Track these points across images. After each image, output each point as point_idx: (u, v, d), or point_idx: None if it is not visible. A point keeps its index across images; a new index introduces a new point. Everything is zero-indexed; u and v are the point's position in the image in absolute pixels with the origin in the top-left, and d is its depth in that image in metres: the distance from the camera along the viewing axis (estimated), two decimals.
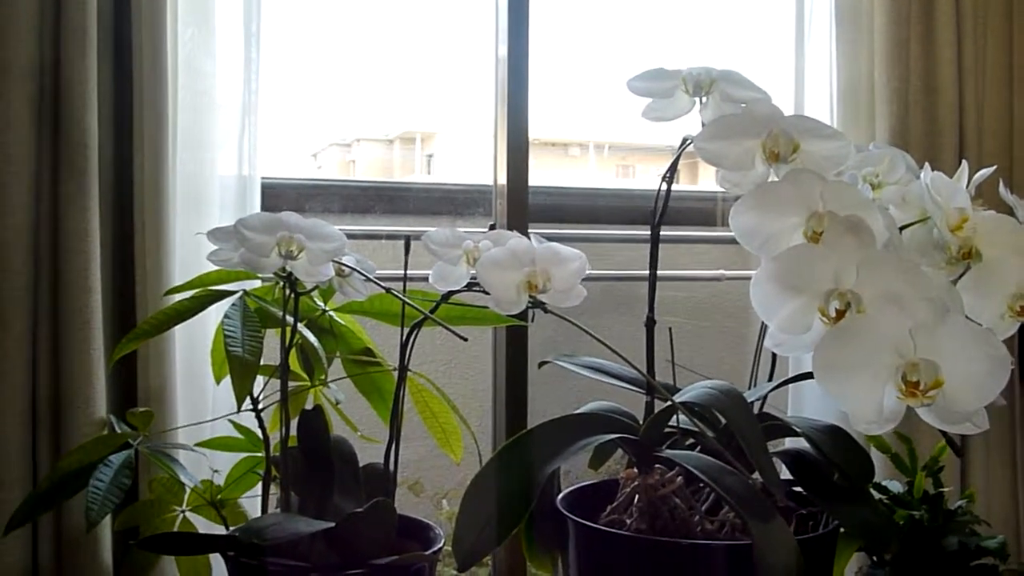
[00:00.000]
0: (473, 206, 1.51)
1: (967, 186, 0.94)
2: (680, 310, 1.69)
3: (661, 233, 0.97)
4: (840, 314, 0.74)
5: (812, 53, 1.48)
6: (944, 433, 0.86)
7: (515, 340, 1.33)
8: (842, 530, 0.92)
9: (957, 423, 0.71)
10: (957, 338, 0.71)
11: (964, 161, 0.98)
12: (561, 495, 0.99)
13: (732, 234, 0.84)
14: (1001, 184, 0.95)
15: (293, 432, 0.98)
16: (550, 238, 0.92)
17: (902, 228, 0.92)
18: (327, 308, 1.06)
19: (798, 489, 0.94)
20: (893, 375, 0.71)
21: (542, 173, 1.83)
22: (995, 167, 1.01)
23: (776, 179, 0.84)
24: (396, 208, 1.53)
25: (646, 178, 2.17)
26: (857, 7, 1.46)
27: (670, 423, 0.94)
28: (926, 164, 0.93)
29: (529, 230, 1.22)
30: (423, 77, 1.71)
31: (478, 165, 1.54)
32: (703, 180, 1.85)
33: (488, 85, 1.38)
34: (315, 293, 1.04)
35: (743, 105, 0.89)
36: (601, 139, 2.06)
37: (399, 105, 1.82)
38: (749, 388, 1.02)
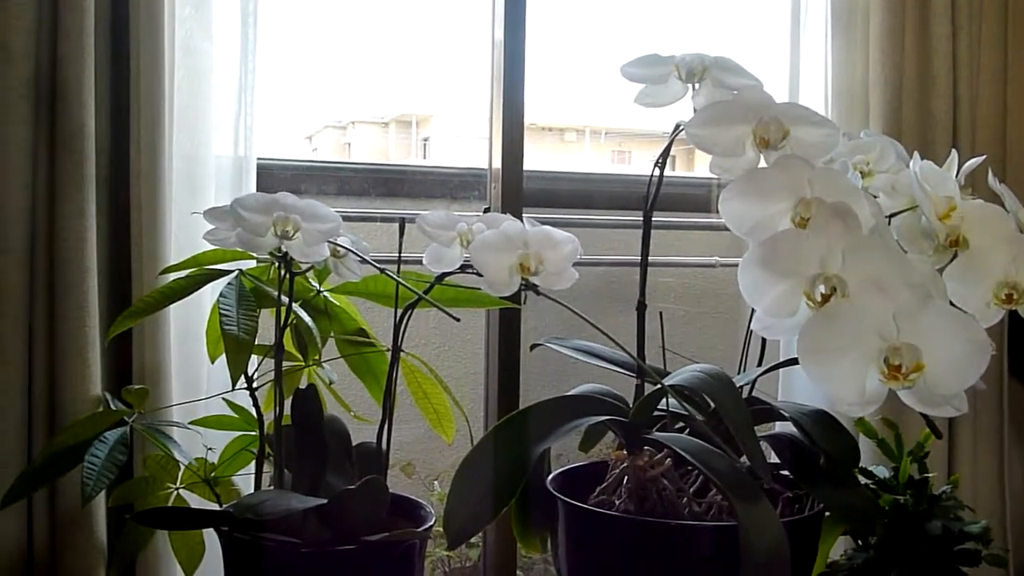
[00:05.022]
0: (468, 190, 1.52)
1: (956, 175, 0.94)
2: (674, 296, 1.70)
3: (656, 219, 0.97)
4: (826, 298, 0.75)
5: (808, 48, 1.48)
6: (925, 416, 0.87)
7: (508, 324, 1.33)
8: (827, 513, 0.93)
9: (937, 406, 0.72)
10: (939, 323, 0.71)
11: (954, 150, 0.99)
12: (551, 476, 0.99)
13: None
14: (990, 173, 0.95)
15: (287, 411, 0.99)
16: (545, 223, 0.93)
17: (891, 216, 0.93)
18: (322, 289, 1.07)
19: (785, 472, 0.95)
20: (876, 358, 0.72)
21: (538, 158, 1.83)
22: (984, 156, 1.02)
23: (765, 165, 0.84)
24: (392, 191, 1.54)
25: (642, 164, 2.17)
26: (853, 1, 1.46)
27: (660, 406, 0.94)
28: (915, 153, 0.94)
29: (523, 214, 1.22)
30: (420, 60, 1.71)
31: (474, 149, 1.55)
32: (699, 167, 1.86)
33: (485, 69, 1.38)
34: (310, 274, 1.05)
35: (735, 92, 0.89)
36: (598, 125, 2.06)
37: (395, 88, 1.82)
38: (739, 373, 1.03)
